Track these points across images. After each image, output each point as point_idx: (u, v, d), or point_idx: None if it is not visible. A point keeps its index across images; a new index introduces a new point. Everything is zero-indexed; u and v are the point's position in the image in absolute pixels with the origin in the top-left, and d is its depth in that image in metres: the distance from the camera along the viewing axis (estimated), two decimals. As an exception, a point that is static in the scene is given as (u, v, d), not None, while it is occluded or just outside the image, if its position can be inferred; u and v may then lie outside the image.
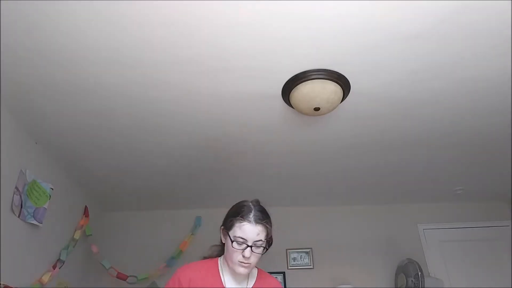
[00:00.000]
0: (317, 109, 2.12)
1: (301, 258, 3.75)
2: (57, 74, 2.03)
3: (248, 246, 1.40)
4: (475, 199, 3.98)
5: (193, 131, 2.60)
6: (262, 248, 1.43)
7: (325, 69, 2.02)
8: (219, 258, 1.58)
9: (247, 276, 1.51)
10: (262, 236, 1.43)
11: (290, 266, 3.70)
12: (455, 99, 2.32)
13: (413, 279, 3.25)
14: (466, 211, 3.98)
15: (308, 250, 3.78)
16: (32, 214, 2.48)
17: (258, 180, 3.41)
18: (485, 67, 2.04)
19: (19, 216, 2.37)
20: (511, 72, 2.09)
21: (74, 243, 3.05)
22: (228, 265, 1.48)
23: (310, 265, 3.71)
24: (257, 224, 1.43)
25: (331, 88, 2.07)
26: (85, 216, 3.32)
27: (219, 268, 1.52)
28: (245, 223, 1.43)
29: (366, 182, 3.50)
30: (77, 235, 3.09)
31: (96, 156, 2.88)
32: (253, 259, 1.43)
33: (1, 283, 2.13)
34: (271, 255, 3.67)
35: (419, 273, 3.25)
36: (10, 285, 2.21)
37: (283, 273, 3.65)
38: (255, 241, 1.41)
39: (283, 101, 2.28)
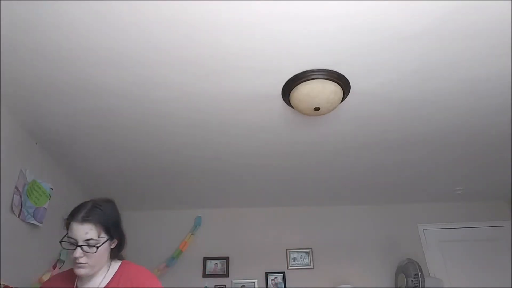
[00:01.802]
0: (317, 109, 2.12)
1: (301, 258, 3.75)
2: (57, 74, 2.03)
3: (77, 246, 1.35)
4: (475, 199, 3.98)
5: (193, 131, 2.60)
6: (95, 248, 1.36)
7: (325, 69, 2.02)
8: None
9: (103, 274, 1.44)
10: (92, 235, 1.36)
11: (290, 266, 3.70)
12: (455, 99, 2.32)
13: (413, 279, 3.25)
14: (466, 211, 3.99)
15: (308, 250, 3.78)
16: (32, 214, 2.47)
17: (258, 180, 3.41)
18: (485, 67, 2.05)
19: (19, 216, 2.37)
20: (511, 72, 2.09)
21: (74, 243, 3.04)
22: None
23: (310, 265, 3.71)
24: (84, 223, 1.37)
25: (331, 88, 2.07)
26: (85, 216, 3.31)
27: None
28: (73, 222, 1.38)
29: (366, 182, 3.51)
30: (77, 235, 3.09)
31: (96, 156, 2.88)
32: (90, 259, 1.36)
33: (1, 283, 2.13)
34: (271, 255, 3.73)
35: (419, 273, 3.25)
36: (10, 285, 2.21)
37: (283, 273, 3.65)
38: (85, 240, 1.35)
39: (283, 101, 2.28)
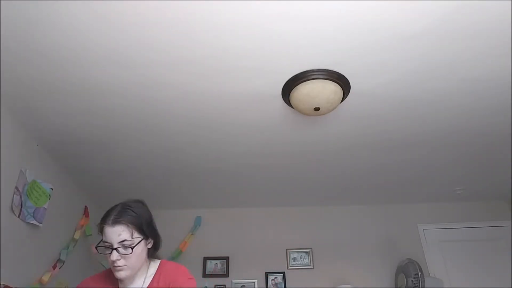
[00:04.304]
0: (317, 109, 2.12)
1: (301, 258, 3.75)
2: (57, 74, 2.03)
3: (113, 249, 1.34)
4: (475, 199, 3.98)
5: (193, 131, 2.60)
6: (130, 249, 1.35)
7: (325, 69, 2.02)
8: None
9: (144, 275, 1.46)
10: (126, 236, 1.35)
11: (290, 266, 3.70)
12: (455, 99, 2.32)
13: (413, 279, 3.25)
14: (466, 211, 3.99)
15: (308, 250, 3.78)
16: (32, 214, 2.47)
17: (258, 180, 3.41)
18: (485, 67, 2.04)
19: (19, 216, 2.37)
20: (511, 72, 2.09)
21: (74, 243, 3.05)
22: None
23: (310, 265, 3.71)
24: (115, 225, 1.36)
25: (331, 88, 2.07)
26: (85, 216, 3.32)
27: None
28: (105, 226, 1.37)
29: (366, 182, 3.51)
30: (77, 235, 3.09)
31: (96, 156, 2.88)
32: (128, 261, 1.36)
33: (1, 283, 2.13)
34: (271, 255, 3.73)
35: (419, 273, 3.25)
36: (10, 285, 2.21)
37: (283, 273, 3.65)
38: (119, 242, 1.35)
39: (283, 101, 2.28)
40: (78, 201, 3.32)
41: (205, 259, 3.72)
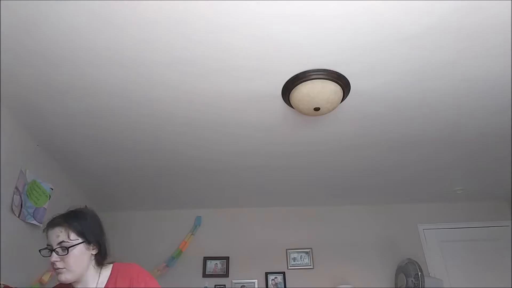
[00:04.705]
0: (317, 109, 2.12)
1: (301, 258, 3.75)
2: (56, 75, 2.03)
3: (52, 250, 1.39)
4: (475, 199, 3.98)
5: (193, 131, 2.60)
6: (67, 249, 1.38)
7: (325, 69, 2.02)
8: None
9: (95, 281, 1.46)
10: (63, 237, 1.40)
11: (290, 266, 3.70)
12: (455, 99, 2.32)
13: (413, 279, 3.25)
14: (466, 211, 3.99)
15: (308, 250, 3.78)
16: (32, 214, 2.48)
17: (258, 180, 3.41)
18: (485, 67, 2.04)
19: (19, 216, 2.37)
20: (511, 72, 2.09)
21: (74, 243, 3.04)
22: None
23: (310, 265, 3.71)
24: (55, 227, 1.42)
25: (331, 88, 2.07)
26: (85, 216, 3.31)
27: None
28: (47, 229, 1.44)
29: (366, 182, 3.51)
30: (77, 235, 3.09)
31: (96, 156, 2.88)
32: (66, 263, 1.39)
33: (1, 283, 2.13)
34: (271, 255, 3.73)
35: (419, 273, 3.25)
36: (10, 285, 2.21)
37: (283, 273, 3.65)
38: (58, 244, 1.39)
39: (283, 101, 2.28)
40: (78, 201, 3.31)
41: (205, 259, 3.72)
